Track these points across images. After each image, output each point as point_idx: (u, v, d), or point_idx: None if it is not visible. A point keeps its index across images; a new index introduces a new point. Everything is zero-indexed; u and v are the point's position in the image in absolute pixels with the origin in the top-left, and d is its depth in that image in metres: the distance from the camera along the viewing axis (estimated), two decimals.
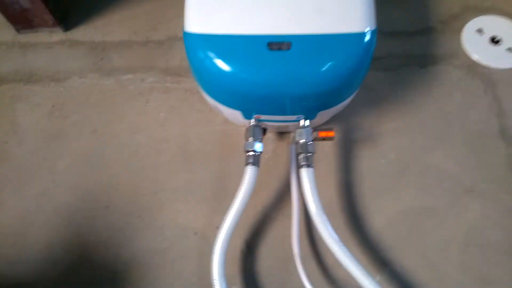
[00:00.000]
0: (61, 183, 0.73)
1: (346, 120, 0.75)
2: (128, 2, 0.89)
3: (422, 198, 0.70)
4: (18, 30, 0.85)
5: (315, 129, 0.61)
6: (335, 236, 0.58)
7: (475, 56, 0.81)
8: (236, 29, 0.53)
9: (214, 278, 0.58)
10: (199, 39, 0.54)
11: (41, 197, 0.72)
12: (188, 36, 0.55)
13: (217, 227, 0.67)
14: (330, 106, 0.60)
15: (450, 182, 0.71)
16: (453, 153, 0.73)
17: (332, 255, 0.58)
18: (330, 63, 0.53)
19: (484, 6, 0.87)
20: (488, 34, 0.83)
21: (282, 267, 0.66)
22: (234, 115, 0.62)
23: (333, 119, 0.70)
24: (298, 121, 0.61)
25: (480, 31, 0.84)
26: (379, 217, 0.69)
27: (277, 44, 0.52)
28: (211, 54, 0.53)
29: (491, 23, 0.85)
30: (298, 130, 0.60)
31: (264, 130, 0.63)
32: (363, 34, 0.53)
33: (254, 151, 0.60)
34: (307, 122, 0.60)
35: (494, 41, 0.83)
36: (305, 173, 0.59)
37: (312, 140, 0.60)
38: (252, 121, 0.61)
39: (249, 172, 0.59)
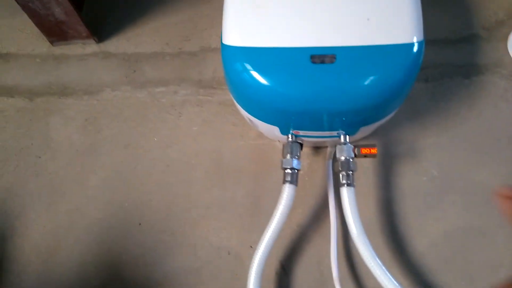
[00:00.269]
0: (94, 199, 0.73)
1: (385, 134, 0.73)
2: (160, 12, 0.88)
3: (468, 217, 0.67)
4: (52, 43, 0.86)
5: (357, 145, 0.59)
6: (377, 260, 0.56)
7: None
8: (277, 41, 0.52)
9: None
10: (238, 52, 0.52)
11: (74, 213, 0.72)
12: (226, 49, 0.54)
13: (251, 246, 0.67)
14: (374, 121, 0.58)
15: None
16: (500, 170, 0.70)
17: (372, 277, 0.57)
18: (376, 77, 0.51)
19: None
20: None
21: None
22: (271, 130, 0.61)
23: (372, 133, 0.68)
24: (338, 136, 0.58)
25: None
26: (422, 238, 0.67)
27: (320, 57, 0.50)
28: (250, 68, 0.52)
29: None
30: (339, 147, 0.58)
31: (301, 146, 0.61)
32: (411, 45, 0.51)
33: (292, 168, 0.58)
34: (348, 138, 0.58)
35: None
36: (346, 192, 0.57)
37: (354, 157, 0.58)
38: (290, 137, 0.59)
39: (287, 191, 0.58)
